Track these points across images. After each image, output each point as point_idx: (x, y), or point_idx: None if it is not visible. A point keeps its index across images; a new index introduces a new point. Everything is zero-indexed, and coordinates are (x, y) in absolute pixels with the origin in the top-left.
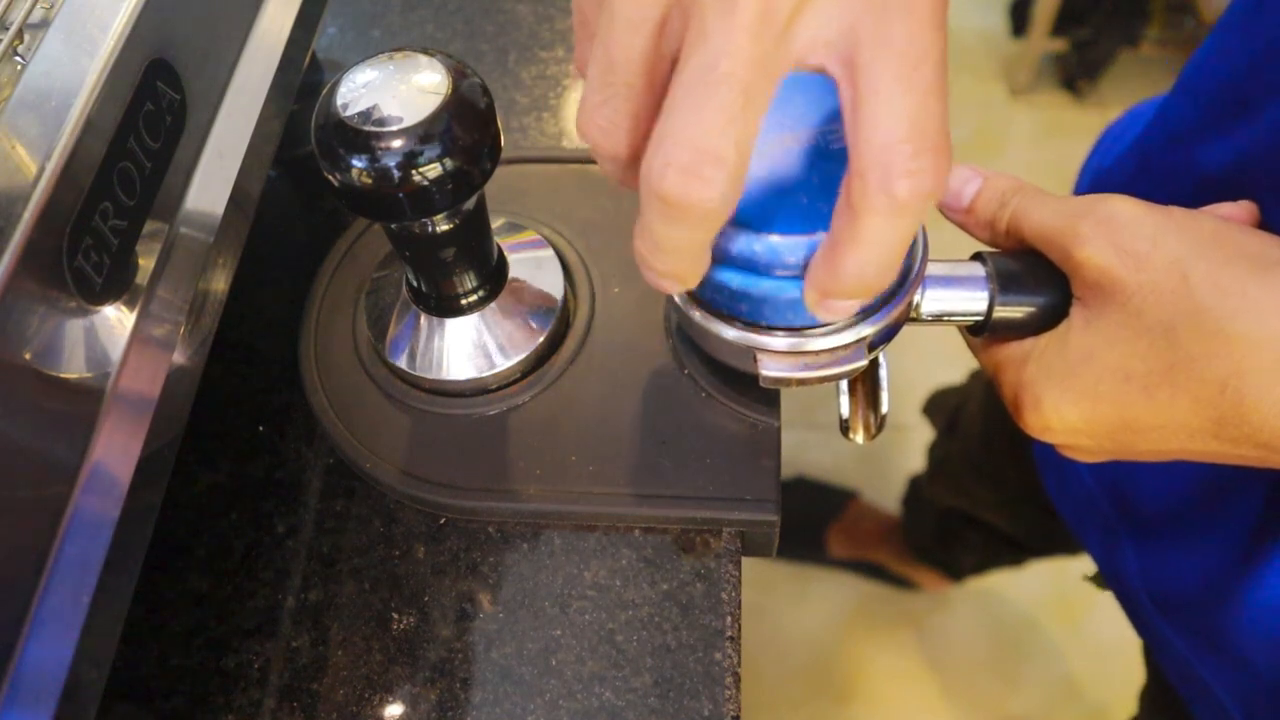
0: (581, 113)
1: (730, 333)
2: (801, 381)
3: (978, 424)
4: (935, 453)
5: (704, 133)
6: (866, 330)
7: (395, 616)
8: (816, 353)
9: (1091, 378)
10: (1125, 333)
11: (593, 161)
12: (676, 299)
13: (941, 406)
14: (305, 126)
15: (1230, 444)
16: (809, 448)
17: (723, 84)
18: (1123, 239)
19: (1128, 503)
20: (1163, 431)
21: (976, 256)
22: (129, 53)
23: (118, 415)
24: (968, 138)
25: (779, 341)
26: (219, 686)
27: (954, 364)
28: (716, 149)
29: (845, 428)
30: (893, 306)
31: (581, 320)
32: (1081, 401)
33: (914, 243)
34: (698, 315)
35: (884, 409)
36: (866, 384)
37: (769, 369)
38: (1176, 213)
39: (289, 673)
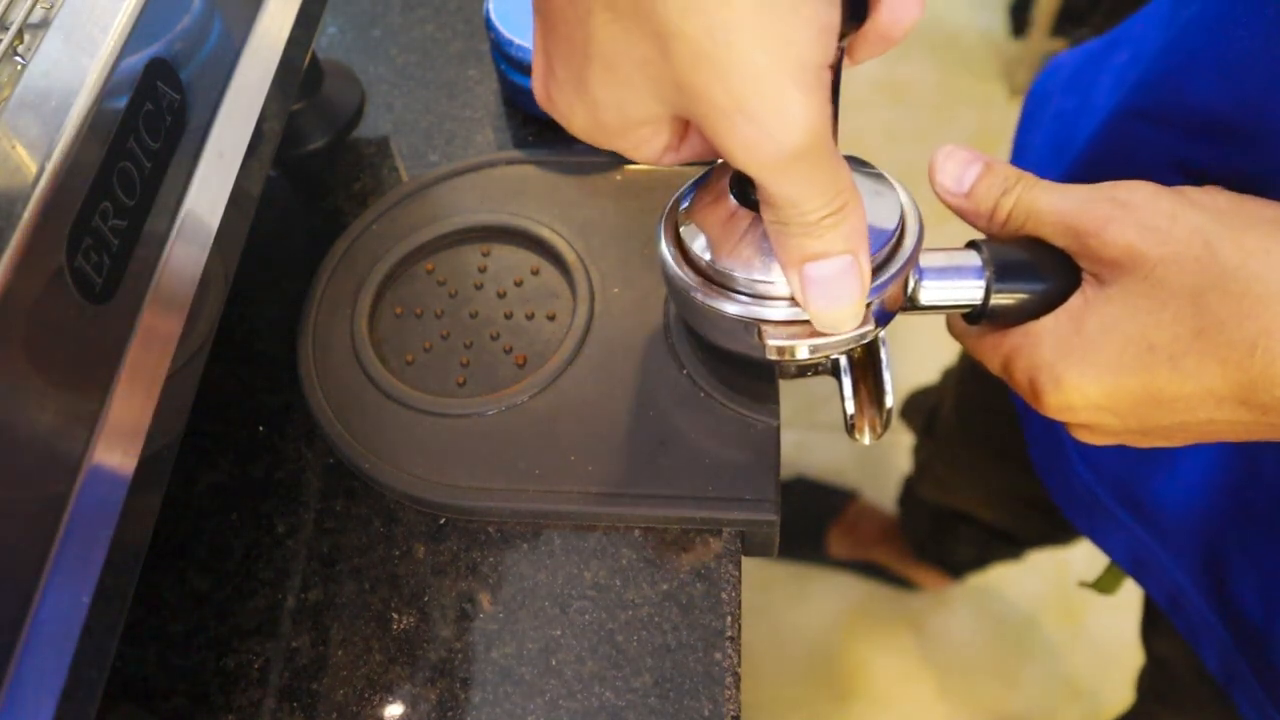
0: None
1: (732, 308)
2: (805, 351)
3: (954, 424)
4: (918, 455)
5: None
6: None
7: (395, 616)
8: None
9: (1114, 350)
10: (1148, 303)
11: (592, 163)
12: (674, 281)
13: (918, 409)
14: (305, 126)
15: (1259, 410)
16: (809, 448)
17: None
18: (1143, 216)
19: (1148, 513)
20: (1189, 401)
21: (972, 244)
22: (129, 53)
23: (118, 416)
24: (967, 138)
25: (778, 311)
26: (219, 686)
27: (926, 364)
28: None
29: (850, 426)
30: (890, 279)
31: (581, 320)
32: (1104, 375)
33: (905, 215)
34: (699, 297)
35: (888, 404)
36: (869, 380)
37: (773, 338)
38: (1189, 190)
39: (289, 673)
